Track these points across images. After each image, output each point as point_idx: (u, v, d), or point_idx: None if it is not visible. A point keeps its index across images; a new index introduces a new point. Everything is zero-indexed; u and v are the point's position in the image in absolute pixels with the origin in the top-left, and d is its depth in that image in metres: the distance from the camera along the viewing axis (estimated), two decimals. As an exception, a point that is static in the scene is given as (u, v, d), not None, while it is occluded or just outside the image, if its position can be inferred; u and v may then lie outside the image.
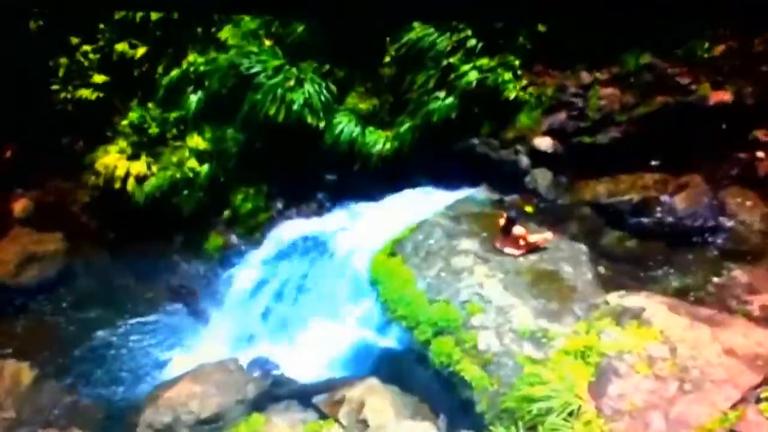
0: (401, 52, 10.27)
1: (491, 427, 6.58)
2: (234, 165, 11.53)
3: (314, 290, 10.41)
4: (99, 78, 11.96)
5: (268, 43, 10.96)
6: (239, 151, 11.42)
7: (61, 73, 11.97)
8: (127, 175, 11.46)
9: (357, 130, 10.70)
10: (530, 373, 6.65)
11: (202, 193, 11.56)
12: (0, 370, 9.43)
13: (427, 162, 10.53)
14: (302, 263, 10.65)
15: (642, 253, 8.74)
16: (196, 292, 11.67)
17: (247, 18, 10.84)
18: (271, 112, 10.60)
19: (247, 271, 11.08)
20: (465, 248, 8.55)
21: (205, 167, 11.43)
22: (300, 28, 10.76)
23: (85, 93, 11.94)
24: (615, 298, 7.33)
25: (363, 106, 10.95)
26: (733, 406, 5.82)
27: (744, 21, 7.64)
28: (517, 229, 8.33)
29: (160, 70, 11.74)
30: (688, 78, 9.00)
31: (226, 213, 11.76)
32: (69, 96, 12.03)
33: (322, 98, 10.67)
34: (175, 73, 11.47)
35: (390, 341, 8.56)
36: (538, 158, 9.92)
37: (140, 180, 11.52)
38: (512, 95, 9.84)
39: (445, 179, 10.37)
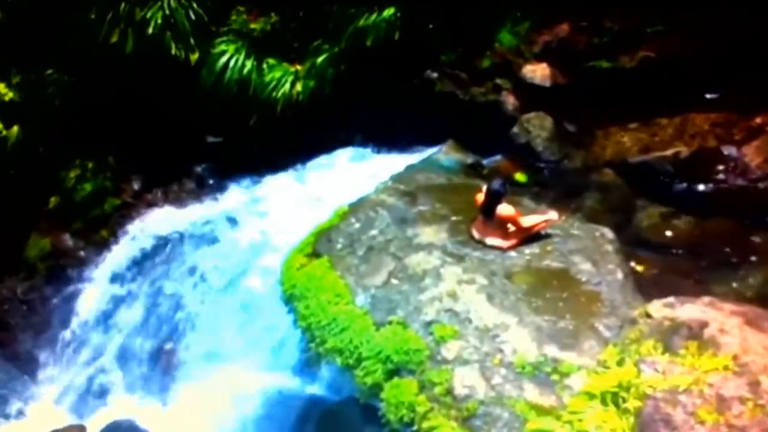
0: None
1: None
2: (60, 125, 11.25)
3: (197, 315, 10.39)
4: None
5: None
6: (67, 102, 11.15)
7: None
8: None
9: (249, 63, 10.77)
10: (537, 429, 6.28)
11: (13, 170, 11.19)
12: None
13: (361, 110, 10.59)
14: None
15: (698, 237, 8.65)
16: (12, 324, 11.40)
17: None
18: (114, 39, 10.48)
19: (91, 290, 11.05)
20: (426, 240, 8.22)
21: (15, 130, 11.02)
22: None
23: None
24: (660, 309, 6.88)
25: (256, 26, 10.92)
26: None
27: None
28: (505, 209, 7.92)
29: (-71, -23, 10.85)
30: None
31: (53, 200, 11.58)
32: None
33: (192, 15, 10.62)
34: (-46, -18, 10.66)
35: (319, 388, 8.32)
36: (531, 97, 9.95)
37: None
38: (485, -1, 9.97)
39: (391, 135, 10.52)
